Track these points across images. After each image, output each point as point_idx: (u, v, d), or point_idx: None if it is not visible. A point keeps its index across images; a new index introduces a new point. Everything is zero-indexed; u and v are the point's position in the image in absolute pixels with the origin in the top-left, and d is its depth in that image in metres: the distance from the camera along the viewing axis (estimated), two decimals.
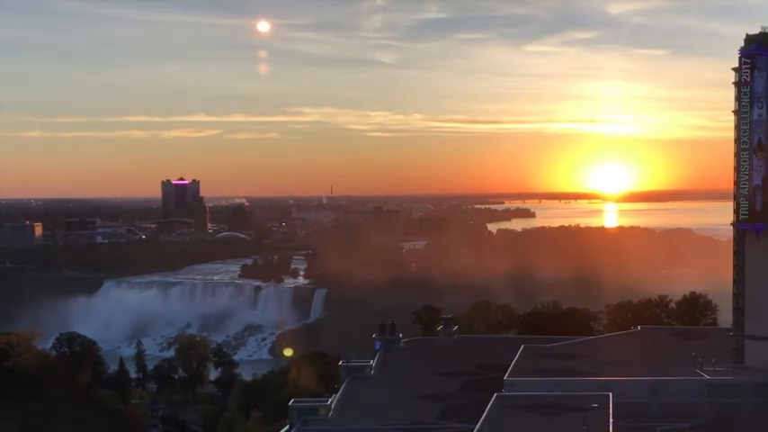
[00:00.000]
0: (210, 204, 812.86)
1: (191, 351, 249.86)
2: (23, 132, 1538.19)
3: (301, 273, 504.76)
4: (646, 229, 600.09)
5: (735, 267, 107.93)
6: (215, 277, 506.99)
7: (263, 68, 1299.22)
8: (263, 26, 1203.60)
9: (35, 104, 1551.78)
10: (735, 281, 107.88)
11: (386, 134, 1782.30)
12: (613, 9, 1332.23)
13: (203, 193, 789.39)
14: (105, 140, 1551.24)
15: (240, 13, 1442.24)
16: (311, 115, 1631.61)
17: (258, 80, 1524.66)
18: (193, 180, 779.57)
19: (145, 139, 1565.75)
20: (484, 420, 75.70)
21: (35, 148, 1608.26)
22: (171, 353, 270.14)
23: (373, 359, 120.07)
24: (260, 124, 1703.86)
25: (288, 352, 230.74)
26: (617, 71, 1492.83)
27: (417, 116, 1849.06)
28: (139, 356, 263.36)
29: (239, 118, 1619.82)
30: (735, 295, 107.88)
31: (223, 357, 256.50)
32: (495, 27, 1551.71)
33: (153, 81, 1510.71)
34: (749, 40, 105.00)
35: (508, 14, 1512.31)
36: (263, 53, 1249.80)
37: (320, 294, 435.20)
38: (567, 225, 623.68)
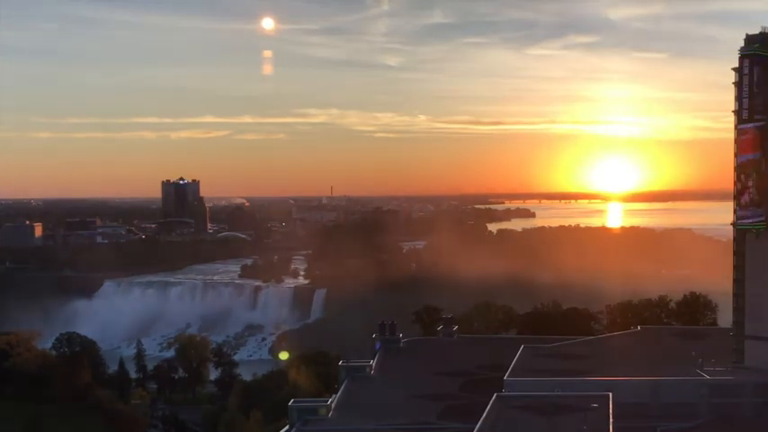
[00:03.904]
0: (210, 204, 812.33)
1: (191, 351, 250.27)
2: (33, 133, 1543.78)
3: (301, 273, 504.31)
4: (646, 229, 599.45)
5: (735, 267, 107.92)
6: (215, 277, 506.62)
7: (272, 71, 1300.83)
8: (273, 30, 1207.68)
9: (45, 106, 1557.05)
10: (735, 281, 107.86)
11: (391, 135, 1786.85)
12: (614, 14, 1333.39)
13: (203, 193, 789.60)
14: (115, 141, 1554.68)
15: (250, 18, 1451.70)
16: (319, 117, 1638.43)
17: (267, 82, 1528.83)
18: (193, 180, 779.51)
19: (154, 140, 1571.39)
20: (484, 420, 75.64)
21: (44, 150, 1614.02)
22: (171, 353, 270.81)
23: (373, 359, 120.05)
24: (268, 125, 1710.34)
25: (283, 355, 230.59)
26: (618, 73, 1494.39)
27: (422, 117, 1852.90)
28: (139, 356, 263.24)
29: (248, 119, 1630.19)
30: (735, 295, 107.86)
31: (223, 357, 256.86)
32: (498, 31, 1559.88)
33: (163, 83, 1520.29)
34: (749, 40, 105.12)
35: (511, 19, 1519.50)
36: (268, 53, 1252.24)
37: (320, 294, 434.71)
38: (566, 225, 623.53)
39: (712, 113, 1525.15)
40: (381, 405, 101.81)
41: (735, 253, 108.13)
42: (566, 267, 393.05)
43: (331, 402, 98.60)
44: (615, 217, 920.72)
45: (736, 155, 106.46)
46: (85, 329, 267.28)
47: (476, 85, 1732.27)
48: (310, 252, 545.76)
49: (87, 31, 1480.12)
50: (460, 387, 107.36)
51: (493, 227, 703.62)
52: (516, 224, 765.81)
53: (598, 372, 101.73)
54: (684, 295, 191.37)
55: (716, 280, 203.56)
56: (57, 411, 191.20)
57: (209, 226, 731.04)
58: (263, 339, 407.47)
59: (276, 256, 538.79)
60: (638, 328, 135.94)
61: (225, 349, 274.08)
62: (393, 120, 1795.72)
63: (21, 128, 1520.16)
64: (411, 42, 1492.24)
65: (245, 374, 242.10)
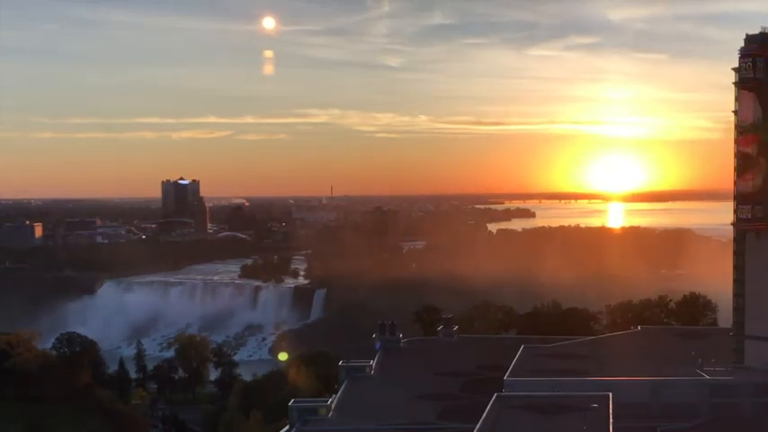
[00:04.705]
0: (210, 204, 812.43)
1: (191, 351, 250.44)
2: (33, 134, 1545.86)
3: (301, 273, 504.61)
4: (646, 229, 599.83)
5: (735, 267, 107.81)
6: (215, 277, 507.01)
7: (274, 71, 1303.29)
8: (274, 30, 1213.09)
9: (46, 106, 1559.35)
10: (735, 281, 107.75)
11: (392, 135, 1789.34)
12: (614, 15, 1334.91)
13: (203, 193, 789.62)
14: (116, 142, 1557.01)
15: (250, 18, 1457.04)
16: (320, 117, 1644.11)
17: (268, 83, 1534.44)
18: (193, 180, 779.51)
19: (155, 141, 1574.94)
20: (484, 420, 75.60)
21: (45, 150, 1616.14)
22: (171, 353, 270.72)
23: (373, 359, 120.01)
24: (269, 126, 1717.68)
25: (282, 356, 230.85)
26: (618, 74, 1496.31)
27: (423, 117, 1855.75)
28: (139, 356, 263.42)
29: (249, 120, 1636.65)
30: (735, 295, 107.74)
31: (223, 357, 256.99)
32: (499, 32, 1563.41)
33: (165, 84, 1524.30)
34: (749, 39, 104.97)
35: (511, 20, 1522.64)
36: (269, 53, 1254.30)
37: (320, 294, 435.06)
38: (566, 225, 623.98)
39: (713, 114, 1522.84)
40: (381, 405, 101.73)
41: (735, 253, 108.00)
42: (566, 267, 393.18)
43: (331, 402, 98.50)
44: (615, 217, 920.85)
45: (736, 155, 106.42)
46: (85, 329, 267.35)
47: (476, 85, 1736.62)
48: (310, 252, 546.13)
49: (87, 32, 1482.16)
50: (460, 387, 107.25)
51: (493, 227, 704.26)
52: (516, 224, 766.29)
53: (598, 372, 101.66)
54: (684, 295, 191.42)
55: (716, 280, 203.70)
56: (57, 411, 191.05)
57: (209, 226, 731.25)
58: (263, 339, 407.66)
59: (276, 256, 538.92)
60: (638, 328, 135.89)
61: (225, 349, 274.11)
62: (394, 120, 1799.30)
63: (21, 128, 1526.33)
64: (412, 43, 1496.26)
65: (245, 374, 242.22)
